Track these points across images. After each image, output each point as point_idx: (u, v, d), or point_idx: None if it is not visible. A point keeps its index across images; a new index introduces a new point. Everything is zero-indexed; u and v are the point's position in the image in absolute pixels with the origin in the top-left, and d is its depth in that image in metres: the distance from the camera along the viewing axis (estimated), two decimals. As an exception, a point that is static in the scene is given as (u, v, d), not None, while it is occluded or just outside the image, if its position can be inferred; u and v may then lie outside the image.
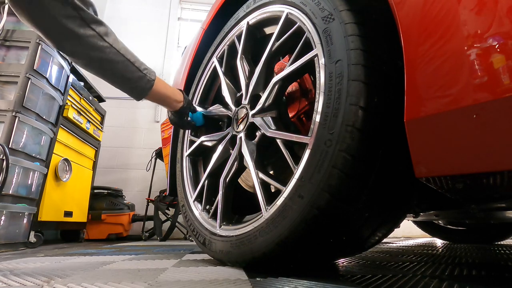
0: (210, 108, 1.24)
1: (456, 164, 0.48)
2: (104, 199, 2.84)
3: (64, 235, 2.58)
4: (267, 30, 1.11)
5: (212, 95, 1.33)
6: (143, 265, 0.97)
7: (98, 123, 2.76)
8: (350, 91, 0.65)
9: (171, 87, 1.09)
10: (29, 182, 1.83)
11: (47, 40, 0.84)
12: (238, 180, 1.14)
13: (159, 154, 3.07)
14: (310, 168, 0.69)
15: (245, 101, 1.01)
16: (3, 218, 1.65)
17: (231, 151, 1.03)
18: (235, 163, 0.97)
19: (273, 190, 0.99)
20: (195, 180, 1.20)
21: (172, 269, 0.88)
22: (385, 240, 2.58)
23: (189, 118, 1.16)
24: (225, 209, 0.97)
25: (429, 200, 1.11)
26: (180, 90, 1.14)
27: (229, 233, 0.88)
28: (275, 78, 0.89)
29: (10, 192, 1.70)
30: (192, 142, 1.25)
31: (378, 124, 0.65)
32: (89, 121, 2.57)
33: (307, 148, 0.71)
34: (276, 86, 0.89)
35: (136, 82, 0.95)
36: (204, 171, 1.12)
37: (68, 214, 2.27)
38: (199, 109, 1.23)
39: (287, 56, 1.12)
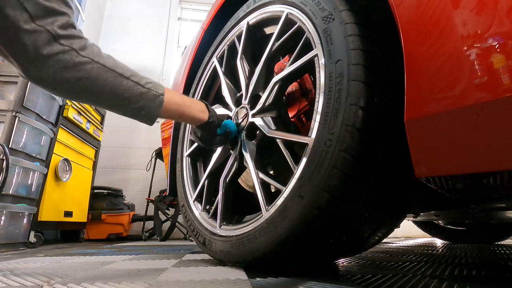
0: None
1: (456, 164, 0.48)
2: (104, 199, 2.84)
3: (64, 235, 2.58)
4: (267, 30, 1.11)
5: (212, 95, 1.33)
6: (143, 265, 0.97)
7: (98, 123, 2.76)
8: (350, 91, 0.65)
9: (187, 96, 0.90)
10: (29, 182, 1.83)
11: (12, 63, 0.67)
12: (238, 180, 1.14)
13: (159, 154, 3.07)
14: (310, 168, 0.69)
15: (245, 101, 1.01)
16: (3, 218, 1.65)
17: (231, 151, 1.03)
18: (235, 163, 0.97)
19: (273, 190, 0.99)
20: (195, 180, 1.20)
21: (172, 269, 0.88)
22: (385, 240, 2.58)
23: (219, 132, 0.96)
24: (225, 209, 0.97)
25: (429, 200, 1.11)
26: (201, 100, 0.95)
27: (229, 233, 0.88)
28: (275, 78, 0.89)
29: (10, 192, 1.70)
30: (192, 142, 1.25)
31: (378, 124, 0.65)
32: (89, 121, 2.57)
33: (307, 148, 0.71)
34: (276, 86, 0.89)
35: (138, 100, 0.75)
36: (204, 171, 1.12)
37: (68, 214, 2.27)
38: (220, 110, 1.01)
39: (287, 56, 1.12)
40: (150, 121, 0.81)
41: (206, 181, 1.09)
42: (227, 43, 1.22)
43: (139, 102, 0.76)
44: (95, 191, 2.84)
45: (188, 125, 1.31)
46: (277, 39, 0.94)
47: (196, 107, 0.89)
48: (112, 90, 0.73)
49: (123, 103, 0.75)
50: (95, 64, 0.70)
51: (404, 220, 1.34)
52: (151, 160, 3.14)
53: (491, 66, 0.43)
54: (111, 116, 3.33)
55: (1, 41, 0.65)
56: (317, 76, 0.75)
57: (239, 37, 1.14)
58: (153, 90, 0.78)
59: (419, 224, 2.54)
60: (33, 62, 0.66)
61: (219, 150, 1.07)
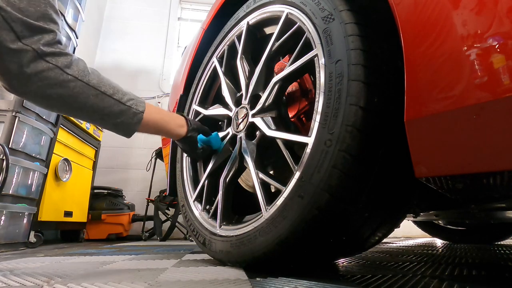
0: (210, 108, 1.24)
1: (456, 164, 0.48)
2: (104, 199, 2.84)
3: (64, 235, 2.58)
4: (267, 30, 1.11)
5: (212, 95, 1.33)
6: (143, 265, 0.97)
7: (98, 123, 2.76)
8: (350, 91, 0.65)
9: (168, 112, 0.93)
10: (29, 182, 1.83)
11: None
12: (238, 180, 1.14)
13: (159, 154, 3.07)
14: (310, 168, 0.69)
15: (245, 101, 1.01)
16: (3, 218, 1.65)
17: (231, 151, 1.03)
18: (235, 163, 0.97)
19: (273, 190, 0.99)
20: (195, 180, 1.20)
21: (172, 269, 0.88)
22: (385, 240, 2.58)
23: (201, 144, 1.00)
24: (225, 209, 0.97)
25: (429, 200, 1.11)
26: (181, 114, 1.00)
27: (229, 233, 0.88)
28: (275, 78, 0.89)
29: (10, 192, 1.70)
30: (192, 142, 1.25)
31: (378, 124, 0.65)
32: (89, 121, 2.57)
33: (307, 148, 0.71)
34: (276, 86, 0.89)
35: (117, 117, 0.78)
36: (204, 171, 1.12)
37: (68, 214, 2.27)
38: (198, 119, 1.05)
39: (287, 56, 1.12)
40: (127, 135, 0.84)
41: (206, 181, 1.09)
42: (227, 43, 1.22)
43: (118, 119, 0.79)
44: (95, 191, 2.84)
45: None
46: (277, 39, 0.94)
47: (174, 122, 0.93)
48: (93, 107, 0.75)
49: (103, 118, 0.78)
50: (79, 82, 0.72)
51: (404, 220, 1.34)
52: (151, 160, 3.14)
53: (491, 66, 0.43)
54: (111, 116, 3.33)
55: None
56: (317, 76, 0.75)
57: (239, 37, 1.14)
58: (134, 107, 0.81)
59: (419, 224, 2.54)
60: (18, 78, 0.67)
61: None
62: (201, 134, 1.00)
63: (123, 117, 0.79)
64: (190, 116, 1.31)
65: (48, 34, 0.70)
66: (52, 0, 0.73)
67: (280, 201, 0.75)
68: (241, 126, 0.99)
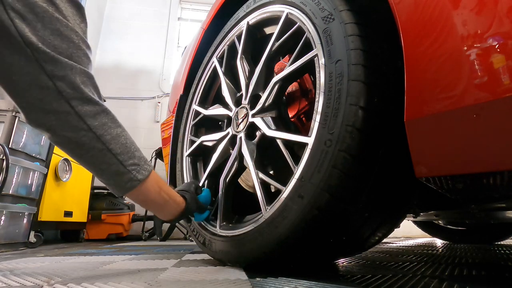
0: (210, 108, 1.24)
1: (456, 164, 0.48)
2: (104, 199, 2.84)
3: (64, 235, 2.58)
4: (267, 30, 1.11)
5: (212, 95, 1.33)
6: (143, 265, 0.97)
7: (98, 123, 2.76)
8: (350, 91, 0.65)
9: (169, 195, 0.86)
10: (29, 182, 1.83)
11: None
12: (238, 180, 1.14)
13: (159, 154, 3.06)
14: (310, 168, 0.69)
15: (245, 101, 1.01)
16: (3, 218, 1.65)
17: (231, 151, 1.03)
18: (235, 163, 0.97)
19: (273, 190, 0.99)
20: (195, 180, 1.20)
21: (172, 269, 0.88)
22: (385, 240, 2.58)
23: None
24: (225, 209, 0.97)
25: (429, 200, 1.11)
26: (184, 196, 0.92)
27: (229, 233, 0.88)
28: (275, 78, 0.89)
29: (10, 192, 1.70)
30: (192, 142, 1.25)
31: (378, 124, 0.65)
32: (89, 121, 2.57)
33: (307, 148, 0.71)
34: (276, 86, 0.89)
35: (110, 177, 0.75)
36: (204, 171, 1.12)
37: (68, 214, 2.27)
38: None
39: (287, 56, 1.12)
40: (115, 194, 0.80)
41: (206, 181, 1.09)
42: (227, 43, 1.21)
43: (110, 179, 0.76)
44: (95, 191, 2.83)
45: (188, 126, 1.31)
46: (277, 39, 0.94)
47: (167, 211, 0.88)
48: (92, 159, 0.73)
49: (97, 172, 0.76)
50: (90, 133, 0.70)
51: (404, 220, 1.33)
52: (151, 160, 3.14)
53: (491, 66, 0.43)
54: (111, 116, 3.33)
55: (8, 87, 0.66)
56: (317, 76, 0.75)
57: (239, 37, 1.14)
58: (133, 173, 0.76)
59: (419, 224, 2.54)
60: (37, 112, 0.67)
61: (219, 150, 1.06)
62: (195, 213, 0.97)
63: (117, 178, 0.75)
64: (190, 116, 1.31)
65: (82, 75, 0.68)
66: (84, 34, 0.72)
67: (280, 201, 0.75)
68: (241, 126, 0.99)
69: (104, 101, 0.82)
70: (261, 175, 0.85)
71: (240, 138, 0.97)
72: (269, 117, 0.91)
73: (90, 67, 0.72)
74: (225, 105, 1.13)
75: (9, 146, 1.67)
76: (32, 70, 0.63)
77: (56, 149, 2.13)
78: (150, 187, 0.80)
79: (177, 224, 2.90)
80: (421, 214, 1.50)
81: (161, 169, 3.27)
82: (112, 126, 0.73)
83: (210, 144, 1.16)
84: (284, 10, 0.92)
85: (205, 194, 0.99)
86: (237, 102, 1.08)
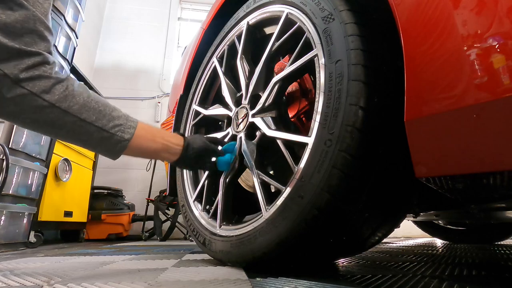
0: (210, 108, 1.24)
1: (456, 164, 0.48)
2: (104, 199, 2.84)
3: (64, 235, 2.58)
4: (267, 30, 1.11)
5: (212, 95, 1.33)
6: (143, 265, 0.97)
7: (98, 123, 2.76)
8: (350, 91, 0.65)
9: (164, 136, 0.86)
10: (29, 182, 1.83)
11: None
12: (238, 180, 1.14)
13: (159, 154, 3.06)
14: (310, 168, 0.69)
15: (245, 101, 1.01)
16: (3, 218, 1.65)
17: (231, 151, 1.03)
18: (235, 163, 0.97)
19: (273, 190, 0.99)
20: (195, 180, 1.20)
21: (172, 269, 0.88)
22: (385, 240, 2.58)
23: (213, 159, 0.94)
24: (225, 209, 0.97)
25: (429, 200, 1.11)
26: (182, 135, 0.93)
27: (229, 233, 0.88)
28: (275, 78, 0.89)
29: (10, 192, 1.70)
30: (192, 142, 1.25)
31: (378, 124, 0.65)
32: (89, 121, 2.56)
33: (307, 148, 0.71)
34: (276, 86, 0.89)
35: (97, 145, 0.74)
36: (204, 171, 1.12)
37: (68, 214, 2.27)
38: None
39: (287, 56, 1.12)
40: (111, 158, 0.79)
41: (206, 181, 1.09)
42: (227, 43, 1.22)
43: (97, 147, 0.74)
44: (95, 191, 2.84)
45: (188, 126, 1.31)
46: (277, 39, 0.94)
47: (167, 152, 0.87)
48: (69, 134, 0.71)
49: (83, 144, 0.74)
50: (55, 108, 0.67)
51: (404, 220, 1.33)
52: (151, 160, 3.14)
53: (491, 66, 0.43)
54: (111, 116, 3.33)
55: None
56: (317, 76, 0.75)
57: (239, 37, 1.14)
58: (119, 134, 0.74)
59: (419, 224, 2.54)
60: None
61: (219, 150, 1.06)
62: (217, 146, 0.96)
63: (103, 145, 0.74)
64: (190, 116, 1.31)
65: (30, 57, 0.65)
66: (44, 16, 0.68)
67: (280, 201, 0.75)
68: (241, 126, 0.99)
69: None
70: (261, 175, 0.85)
71: (240, 138, 0.97)
72: (269, 117, 0.91)
73: (49, 48, 0.69)
74: (225, 105, 1.13)
75: (9, 146, 1.67)
76: None
77: (56, 149, 2.13)
78: (142, 140, 0.79)
79: (177, 224, 2.90)
80: (421, 214, 1.50)
81: (161, 169, 3.28)
82: (75, 94, 0.70)
83: (210, 144, 1.16)
84: (284, 10, 0.92)
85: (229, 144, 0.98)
86: (237, 102, 1.08)
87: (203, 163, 0.95)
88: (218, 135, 1.11)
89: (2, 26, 0.62)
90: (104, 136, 0.72)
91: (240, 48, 1.11)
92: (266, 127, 0.89)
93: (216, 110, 1.18)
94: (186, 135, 1.31)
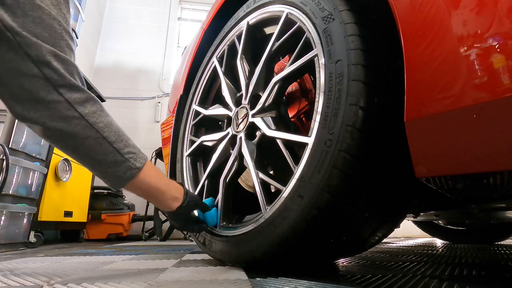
0: (210, 108, 1.24)
1: (456, 164, 0.48)
2: (104, 199, 2.84)
3: (64, 235, 2.58)
4: (267, 30, 1.11)
5: (212, 95, 1.33)
6: (143, 265, 0.97)
7: (98, 123, 2.76)
8: (350, 91, 0.65)
9: (168, 180, 0.86)
10: (29, 182, 1.83)
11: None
12: (238, 180, 1.14)
13: (159, 154, 3.06)
14: (310, 168, 0.69)
15: (245, 101, 1.01)
16: (3, 218, 1.65)
17: (231, 151, 1.03)
18: (235, 163, 0.97)
19: (273, 190, 0.99)
20: (195, 180, 1.20)
21: (172, 269, 0.88)
22: (385, 240, 2.58)
23: (196, 214, 0.91)
24: (225, 209, 0.97)
25: (429, 200, 1.11)
26: (181, 184, 0.91)
27: (229, 233, 0.88)
28: (275, 78, 0.89)
29: (10, 192, 1.70)
30: (192, 142, 1.25)
31: (378, 124, 0.65)
32: (89, 121, 2.57)
33: (307, 148, 0.71)
34: (276, 86, 0.89)
35: (109, 166, 0.72)
36: (204, 171, 1.12)
37: (68, 214, 2.27)
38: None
39: (287, 56, 1.12)
40: (114, 187, 0.77)
41: (206, 181, 1.09)
42: (227, 43, 1.21)
43: (109, 168, 0.73)
44: (95, 191, 2.83)
45: (188, 126, 1.31)
46: (277, 39, 0.94)
47: (170, 194, 0.84)
48: (87, 151, 0.70)
49: (94, 164, 0.73)
50: (83, 121, 0.67)
51: (404, 220, 1.34)
52: (151, 160, 3.14)
53: (491, 66, 0.43)
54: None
55: None
56: (317, 76, 0.75)
57: (239, 37, 1.14)
58: (131, 161, 0.74)
59: (419, 224, 2.54)
60: (23, 103, 0.64)
61: (219, 150, 1.06)
62: (199, 210, 0.93)
63: (115, 168, 0.73)
64: (190, 116, 1.31)
65: (68, 66, 0.66)
66: (67, 25, 0.69)
67: (280, 201, 0.75)
68: (241, 126, 0.99)
69: (104, 101, 0.80)
70: (261, 175, 0.85)
71: (240, 138, 0.97)
72: (269, 117, 0.91)
73: (73, 58, 0.70)
74: (225, 105, 1.13)
75: (9, 146, 1.67)
76: (15, 55, 0.60)
77: (56, 149, 2.13)
78: (149, 173, 0.78)
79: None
80: (421, 214, 1.50)
81: (161, 169, 3.27)
82: (102, 114, 0.71)
83: (210, 144, 1.16)
84: (284, 10, 0.92)
85: (208, 200, 0.98)
86: (237, 102, 1.08)
87: (195, 219, 0.92)
88: (218, 135, 1.11)
89: (32, 34, 0.62)
90: (118, 160, 0.72)
91: (240, 48, 1.11)
92: (266, 127, 0.89)
93: (216, 110, 1.18)
94: (186, 135, 1.31)
